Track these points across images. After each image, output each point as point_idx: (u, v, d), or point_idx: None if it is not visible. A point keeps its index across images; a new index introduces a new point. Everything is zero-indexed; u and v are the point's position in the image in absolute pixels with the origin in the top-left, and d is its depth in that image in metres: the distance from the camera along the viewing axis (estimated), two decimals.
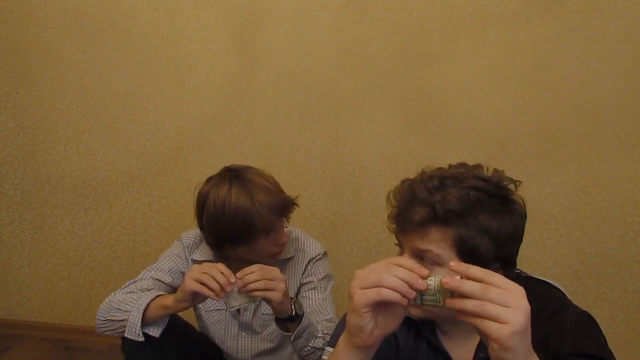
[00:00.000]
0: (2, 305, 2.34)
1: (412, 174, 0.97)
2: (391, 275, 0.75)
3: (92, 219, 2.23)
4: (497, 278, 0.69)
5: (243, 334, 1.49)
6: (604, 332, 0.92)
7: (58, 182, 2.22)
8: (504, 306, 0.66)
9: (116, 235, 2.23)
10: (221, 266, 1.20)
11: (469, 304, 0.68)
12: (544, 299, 0.94)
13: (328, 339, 1.22)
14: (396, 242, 0.96)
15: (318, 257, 1.49)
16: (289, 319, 1.26)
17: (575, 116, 1.90)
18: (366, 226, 2.07)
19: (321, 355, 1.16)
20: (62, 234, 2.26)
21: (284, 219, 1.41)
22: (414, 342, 1.01)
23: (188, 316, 1.49)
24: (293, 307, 1.25)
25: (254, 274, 1.18)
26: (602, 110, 1.88)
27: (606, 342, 0.89)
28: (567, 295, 1.00)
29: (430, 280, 0.75)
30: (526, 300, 0.67)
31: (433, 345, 0.98)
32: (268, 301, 1.22)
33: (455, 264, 0.72)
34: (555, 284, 1.01)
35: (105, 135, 2.17)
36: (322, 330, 1.33)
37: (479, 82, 1.93)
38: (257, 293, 1.18)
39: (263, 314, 1.47)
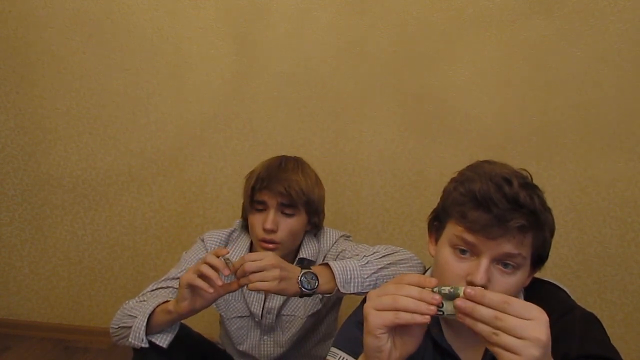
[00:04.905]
0: (2, 305, 2.34)
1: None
2: (404, 296, 0.72)
3: (92, 219, 2.23)
4: (517, 306, 0.65)
5: (265, 337, 1.43)
6: None
7: (58, 182, 2.22)
8: (518, 338, 0.62)
9: (116, 235, 2.23)
10: (219, 249, 1.12)
11: (481, 329, 0.65)
12: (550, 301, 0.93)
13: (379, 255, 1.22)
14: (458, 243, 0.88)
15: (333, 244, 1.42)
16: (307, 294, 1.15)
17: (575, 116, 1.90)
18: (366, 226, 2.07)
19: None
20: (62, 234, 2.26)
21: (280, 209, 1.30)
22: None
23: (199, 325, 1.48)
24: (301, 285, 1.13)
25: (241, 267, 1.09)
26: (602, 110, 1.88)
27: (611, 343, 0.89)
28: (571, 296, 1.00)
29: (443, 289, 0.72)
30: (545, 331, 0.63)
31: (440, 347, 0.96)
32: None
33: (471, 289, 0.68)
34: (560, 285, 1.01)
35: (105, 135, 2.17)
36: (365, 255, 1.24)
37: (479, 82, 1.93)
38: (249, 286, 1.09)
39: (284, 315, 1.41)
